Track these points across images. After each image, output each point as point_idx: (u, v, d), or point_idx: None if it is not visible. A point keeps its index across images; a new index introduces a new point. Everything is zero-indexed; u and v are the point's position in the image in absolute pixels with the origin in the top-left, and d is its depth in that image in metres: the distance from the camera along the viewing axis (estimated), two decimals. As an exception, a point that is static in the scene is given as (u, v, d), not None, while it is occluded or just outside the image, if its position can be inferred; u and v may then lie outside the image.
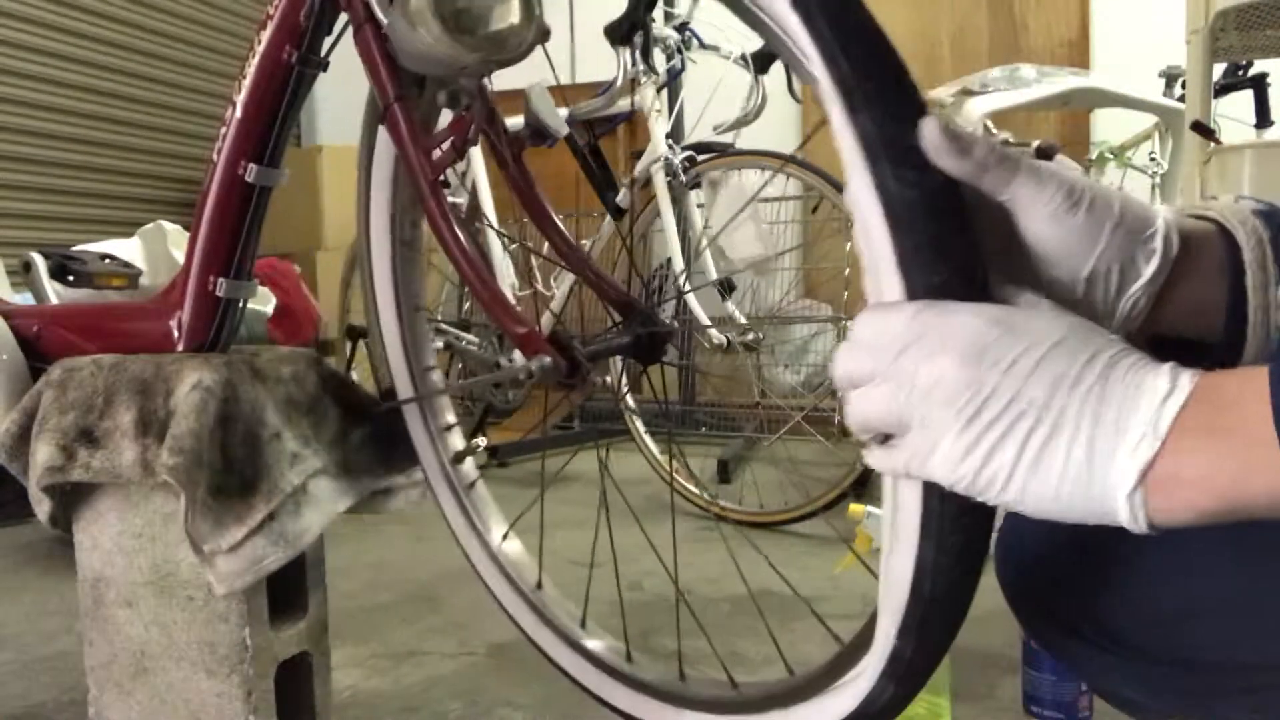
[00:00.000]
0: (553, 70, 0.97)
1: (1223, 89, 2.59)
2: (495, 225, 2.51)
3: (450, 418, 1.16)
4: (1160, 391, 0.43)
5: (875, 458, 0.50)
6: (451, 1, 0.85)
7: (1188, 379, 0.44)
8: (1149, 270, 0.51)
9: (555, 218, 1.04)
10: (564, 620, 1.06)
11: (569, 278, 2.34)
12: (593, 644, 1.03)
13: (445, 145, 0.95)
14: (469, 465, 1.16)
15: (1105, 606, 0.62)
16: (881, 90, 0.52)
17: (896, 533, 0.56)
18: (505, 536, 1.13)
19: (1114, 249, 0.51)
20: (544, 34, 0.90)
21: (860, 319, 0.51)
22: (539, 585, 1.10)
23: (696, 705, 0.90)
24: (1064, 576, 0.65)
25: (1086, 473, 0.44)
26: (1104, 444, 0.44)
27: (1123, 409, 0.44)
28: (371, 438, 1.08)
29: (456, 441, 1.15)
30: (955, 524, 0.52)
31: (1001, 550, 0.70)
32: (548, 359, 0.90)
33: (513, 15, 0.88)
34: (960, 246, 0.50)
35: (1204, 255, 0.54)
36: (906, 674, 0.59)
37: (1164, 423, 0.43)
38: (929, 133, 0.50)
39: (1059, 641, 0.67)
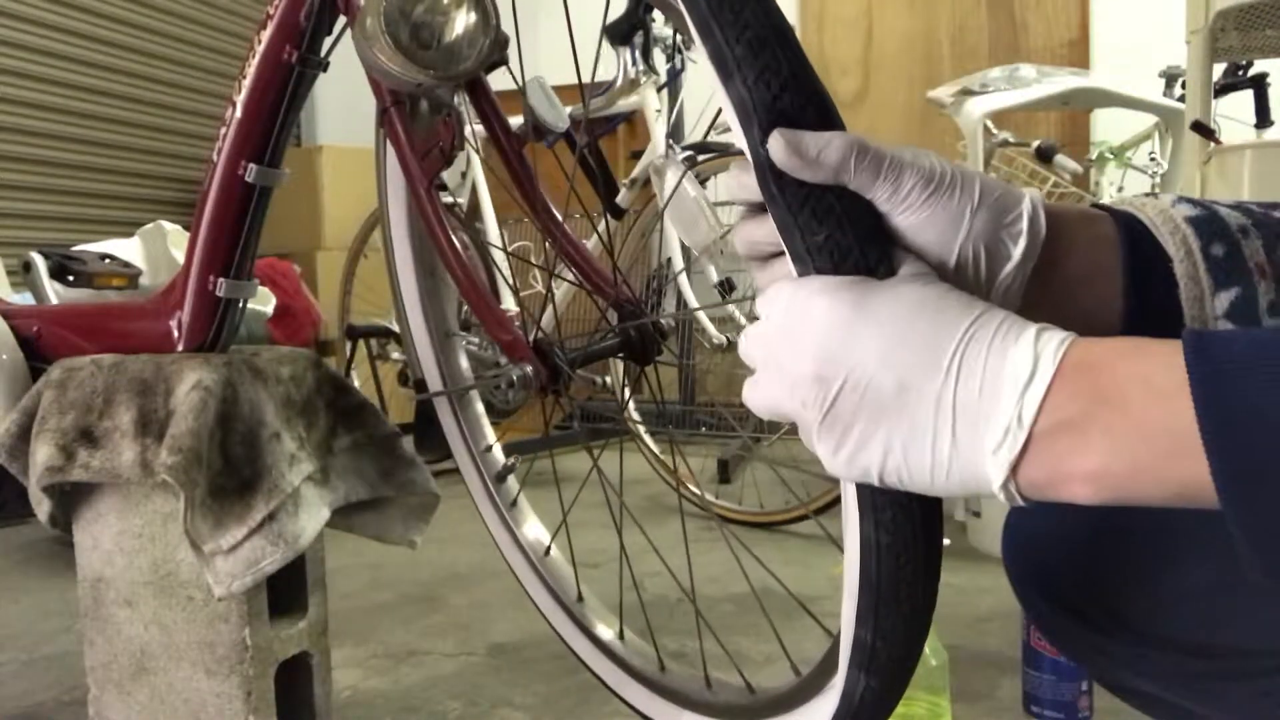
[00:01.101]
0: (512, 75, 0.96)
1: (1223, 89, 2.59)
2: (490, 231, 2.51)
3: (479, 408, 1.19)
4: (1022, 373, 0.41)
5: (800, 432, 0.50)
6: (408, 17, 0.85)
7: (1052, 353, 0.41)
8: (1017, 252, 0.50)
9: (558, 215, 1.05)
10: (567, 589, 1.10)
11: (567, 278, 2.34)
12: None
13: (433, 151, 0.95)
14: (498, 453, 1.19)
15: (1113, 590, 0.61)
16: (752, 54, 0.51)
17: (845, 513, 0.55)
18: (516, 497, 1.17)
19: (978, 233, 0.49)
20: (501, 44, 0.91)
21: (757, 302, 0.51)
22: (544, 547, 1.13)
23: (700, 708, 0.90)
24: (1072, 560, 0.64)
25: (957, 466, 0.43)
26: (967, 438, 0.42)
27: (983, 396, 0.42)
28: (359, 446, 1.08)
29: (489, 434, 1.19)
30: (885, 496, 0.51)
31: (1008, 534, 0.69)
32: (529, 367, 0.90)
33: (468, 27, 0.88)
34: (839, 205, 0.49)
35: (1085, 240, 0.52)
36: (873, 663, 0.57)
37: (1028, 412, 0.41)
38: (775, 150, 0.49)
39: (1065, 629, 0.67)
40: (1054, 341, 0.42)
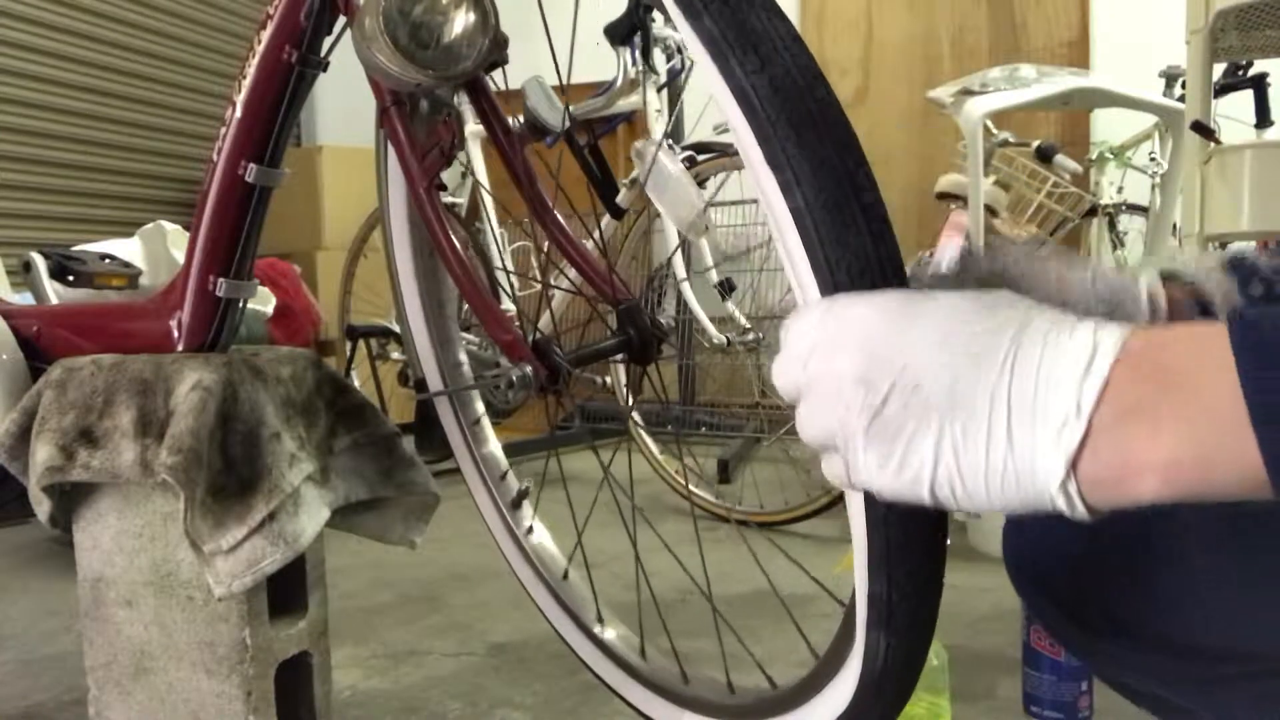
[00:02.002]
0: (502, 77, 0.96)
1: (1223, 89, 2.59)
2: (493, 226, 2.51)
3: (479, 408, 1.19)
4: (1080, 362, 0.39)
5: (824, 468, 0.47)
6: (407, 17, 0.85)
7: (1111, 343, 0.39)
8: None
9: (557, 215, 1.05)
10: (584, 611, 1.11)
11: (568, 278, 2.34)
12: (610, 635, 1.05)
13: (434, 151, 0.95)
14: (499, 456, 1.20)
15: (1111, 592, 0.61)
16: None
17: None
18: (530, 530, 1.17)
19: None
20: (500, 44, 0.91)
21: (785, 326, 0.49)
22: (565, 575, 1.14)
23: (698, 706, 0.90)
24: (1068, 563, 0.64)
25: (1014, 468, 0.40)
26: (1022, 434, 0.40)
27: (1039, 389, 0.39)
28: (359, 446, 1.07)
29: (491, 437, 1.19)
30: None
31: (1008, 539, 0.69)
32: (528, 367, 0.90)
33: (467, 27, 0.88)
34: (813, 114, 0.49)
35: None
36: (892, 619, 0.55)
37: (1087, 401, 0.38)
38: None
39: (1064, 628, 0.67)
40: (1114, 331, 0.40)
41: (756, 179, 0.52)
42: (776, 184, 0.50)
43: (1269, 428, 0.35)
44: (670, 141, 2.28)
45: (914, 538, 0.52)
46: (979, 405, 0.40)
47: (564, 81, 0.94)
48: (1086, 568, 0.63)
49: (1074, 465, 0.39)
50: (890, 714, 0.61)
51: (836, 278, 0.49)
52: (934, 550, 0.53)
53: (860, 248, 0.49)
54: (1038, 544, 0.66)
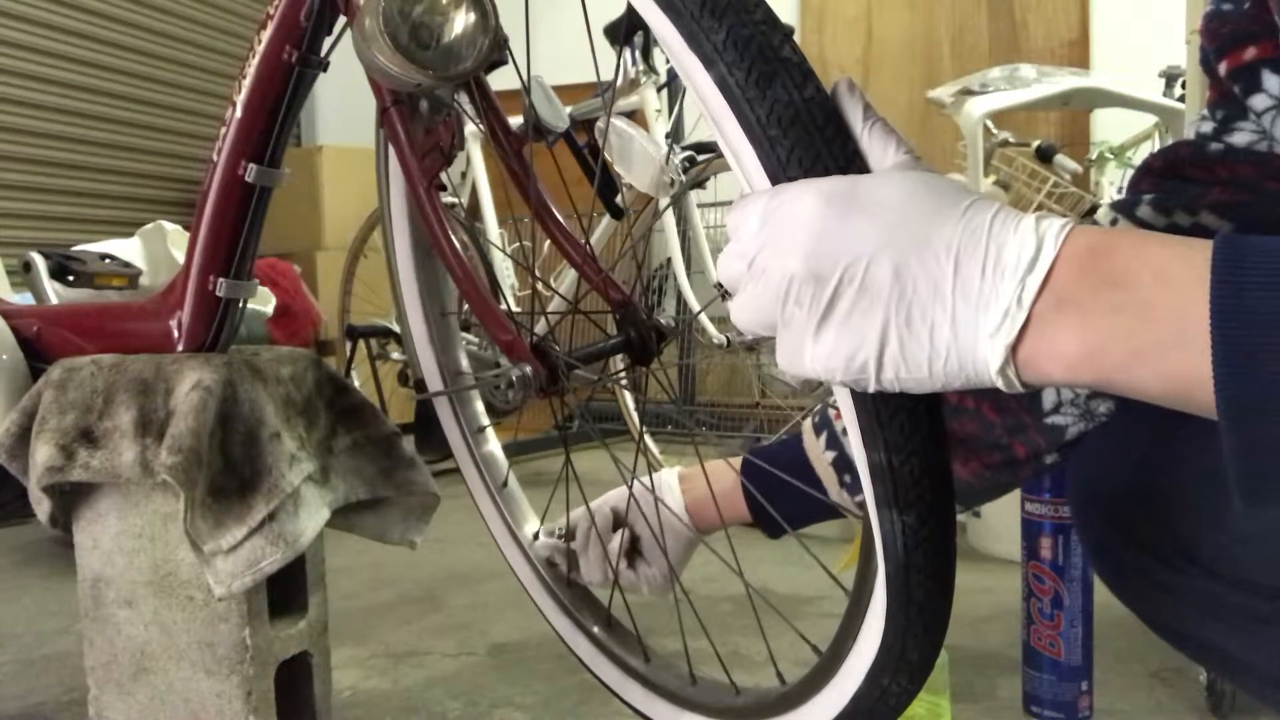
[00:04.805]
0: (519, 72, 0.97)
1: (1223, 89, 2.58)
2: (490, 231, 2.51)
3: (479, 407, 1.18)
4: (1025, 256, 0.40)
5: (777, 357, 0.48)
6: (407, 17, 0.85)
7: (1054, 235, 0.41)
8: None
9: (558, 215, 1.05)
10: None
11: (569, 278, 2.35)
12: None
13: (434, 151, 0.95)
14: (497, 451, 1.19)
15: (1183, 526, 0.60)
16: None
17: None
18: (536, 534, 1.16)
19: None
20: (500, 44, 0.91)
21: (729, 219, 0.50)
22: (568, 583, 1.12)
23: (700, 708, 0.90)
24: (1140, 495, 0.63)
25: (955, 353, 0.42)
26: (966, 320, 0.41)
27: (984, 279, 0.41)
28: (359, 446, 1.07)
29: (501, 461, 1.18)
30: None
31: (1074, 471, 0.67)
32: (528, 367, 0.90)
33: (467, 27, 0.88)
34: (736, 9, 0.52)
35: None
36: (898, 490, 0.51)
37: (1029, 293, 0.40)
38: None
39: (1130, 566, 0.64)
40: (1055, 225, 0.41)
41: (681, 68, 0.56)
42: (698, 61, 0.54)
43: (1231, 352, 0.36)
44: (671, 141, 2.27)
45: (906, 398, 0.50)
46: (924, 293, 0.42)
47: (527, 81, 0.94)
48: (1158, 501, 0.61)
49: (1013, 353, 0.41)
50: (926, 624, 0.57)
51: (769, 133, 0.50)
52: (927, 408, 0.51)
53: (786, 97, 0.51)
54: (1106, 479, 0.65)
